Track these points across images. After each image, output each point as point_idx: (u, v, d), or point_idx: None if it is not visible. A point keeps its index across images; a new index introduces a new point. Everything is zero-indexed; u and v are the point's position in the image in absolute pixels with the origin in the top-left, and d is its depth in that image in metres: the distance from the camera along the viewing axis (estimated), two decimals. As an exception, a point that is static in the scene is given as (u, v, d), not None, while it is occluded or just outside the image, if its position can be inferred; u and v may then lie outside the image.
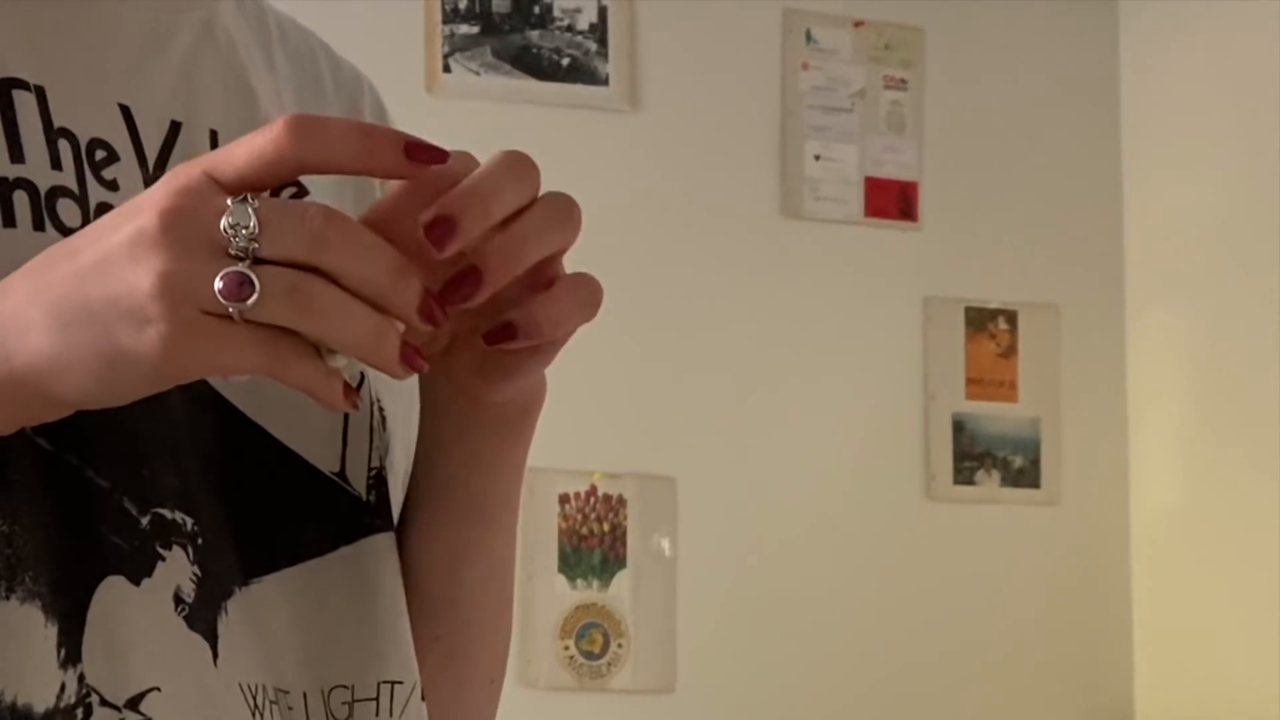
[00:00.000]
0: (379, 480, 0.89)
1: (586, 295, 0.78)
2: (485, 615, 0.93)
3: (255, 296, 0.65)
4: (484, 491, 0.89)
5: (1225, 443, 3.41)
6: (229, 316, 0.66)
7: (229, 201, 0.66)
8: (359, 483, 0.89)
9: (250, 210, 0.65)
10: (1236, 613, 3.34)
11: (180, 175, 0.68)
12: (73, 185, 0.80)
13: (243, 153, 0.68)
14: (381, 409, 0.90)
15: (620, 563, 3.35)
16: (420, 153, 0.69)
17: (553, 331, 0.75)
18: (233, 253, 0.65)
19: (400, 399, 0.92)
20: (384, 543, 0.90)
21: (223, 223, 0.65)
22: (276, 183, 0.68)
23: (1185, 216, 3.56)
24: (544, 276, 0.76)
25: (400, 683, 0.89)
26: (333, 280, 0.66)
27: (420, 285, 0.69)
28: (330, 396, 0.69)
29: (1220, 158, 3.48)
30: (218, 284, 0.65)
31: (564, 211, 0.75)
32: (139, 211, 0.67)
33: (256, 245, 0.65)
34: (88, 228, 0.70)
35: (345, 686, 0.86)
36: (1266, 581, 3.26)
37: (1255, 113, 3.39)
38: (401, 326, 0.69)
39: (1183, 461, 3.52)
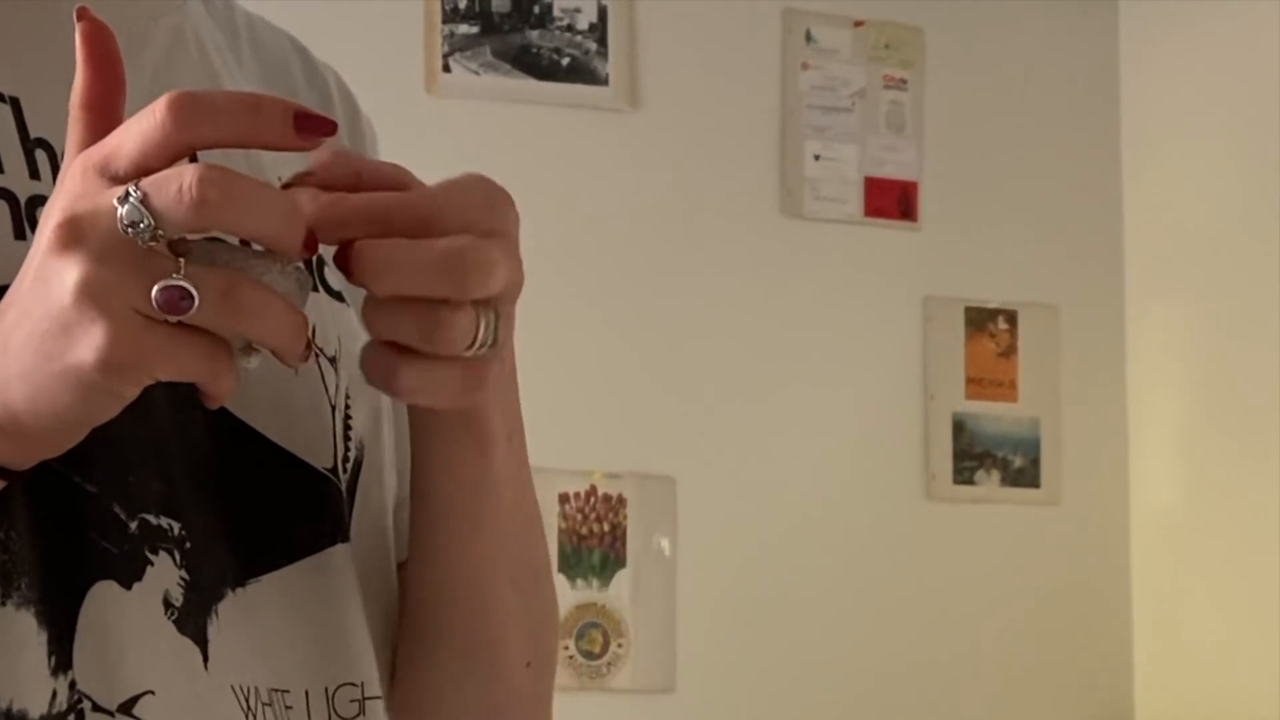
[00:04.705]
0: (354, 478, 0.90)
1: (446, 258, 0.70)
2: (501, 599, 0.91)
3: (195, 307, 0.66)
4: (453, 491, 0.87)
5: (1225, 442, 3.41)
6: (160, 321, 0.66)
7: (114, 200, 0.66)
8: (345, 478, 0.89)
9: (138, 204, 0.65)
10: (1236, 613, 3.34)
11: (66, 182, 0.68)
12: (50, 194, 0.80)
13: (132, 140, 0.68)
14: (348, 413, 0.90)
15: (620, 562, 3.35)
16: (309, 124, 0.69)
17: (379, 275, 0.71)
18: (142, 245, 0.66)
19: (385, 418, 0.92)
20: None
21: (120, 225, 0.66)
22: (170, 164, 0.67)
23: (1185, 216, 3.56)
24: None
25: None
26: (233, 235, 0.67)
27: (304, 224, 0.69)
28: (225, 395, 0.69)
29: (1220, 158, 3.48)
30: (156, 297, 0.65)
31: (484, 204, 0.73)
32: (43, 230, 0.68)
33: (162, 232, 0.66)
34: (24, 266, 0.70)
35: (354, 684, 0.85)
36: (1266, 581, 3.26)
37: (1255, 112, 3.39)
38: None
39: (1183, 461, 3.52)
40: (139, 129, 0.68)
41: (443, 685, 0.92)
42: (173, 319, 0.66)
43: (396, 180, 0.73)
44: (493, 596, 0.90)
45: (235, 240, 0.69)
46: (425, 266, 0.69)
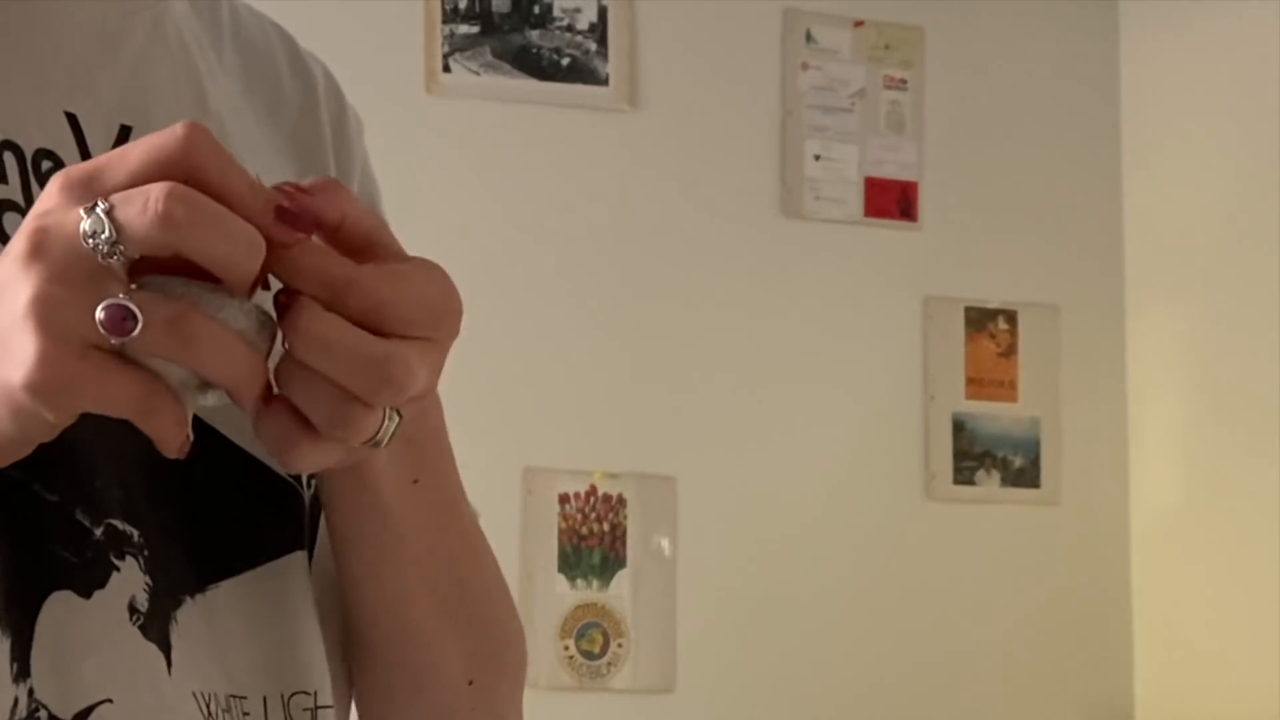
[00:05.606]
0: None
1: (369, 364, 0.68)
2: (425, 621, 0.89)
3: (138, 329, 0.64)
4: (344, 518, 0.86)
5: (1225, 442, 3.41)
6: (108, 350, 0.64)
7: (81, 211, 0.64)
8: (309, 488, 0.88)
9: (102, 215, 0.63)
10: (1236, 613, 3.34)
11: (45, 191, 0.67)
12: (18, 199, 0.79)
13: (139, 152, 0.66)
14: None
15: (620, 563, 3.35)
16: (288, 218, 0.67)
17: (306, 347, 0.68)
18: (103, 263, 0.64)
19: None
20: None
21: (81, 236, 0.64)
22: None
23: (1185, 216, 3.55)
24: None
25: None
26: (190, 258, 0.65)
27: (262, 258, 0.67)
28: (176, 444, 0.67)
29: (1220, 157, 3.47)
30: (99, 315, 0.63)
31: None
32: (19, 237, 0.66)
33: (122, 248, 0.64)
34: None
35: (307, 693, 0.85)
36: (1266, 581, 3.26)
37: (1255, 112, 3.39)
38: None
39: (1183, 461, 3.52)
40: (149, 142, 0.66)
41: (387, 698, 0.91)
42: (114, 340, 0.64)
43: (372, 235, 0.71)
44: (414, 619, 0.89)
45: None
46: (349, 361, 0.67)
